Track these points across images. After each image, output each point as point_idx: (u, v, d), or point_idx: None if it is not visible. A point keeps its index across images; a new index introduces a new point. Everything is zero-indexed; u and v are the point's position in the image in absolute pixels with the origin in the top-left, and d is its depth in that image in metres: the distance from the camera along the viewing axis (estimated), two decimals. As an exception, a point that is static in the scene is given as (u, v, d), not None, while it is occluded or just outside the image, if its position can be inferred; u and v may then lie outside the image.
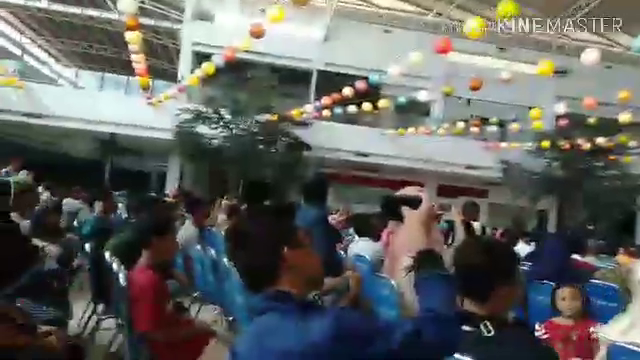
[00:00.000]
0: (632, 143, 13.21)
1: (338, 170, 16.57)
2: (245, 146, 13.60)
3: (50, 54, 25.67)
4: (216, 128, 13.77)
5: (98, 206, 5.09)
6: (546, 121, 14.07)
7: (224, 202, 7.49)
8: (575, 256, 5.02)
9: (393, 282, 2.98)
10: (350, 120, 15.70)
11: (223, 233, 5.68)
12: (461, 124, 14.52)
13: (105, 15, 17.18)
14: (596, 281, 4.25)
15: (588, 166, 14.32)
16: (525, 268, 4.47)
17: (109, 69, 24.59)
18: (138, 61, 10.67)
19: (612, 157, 14.03)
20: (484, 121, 14.76)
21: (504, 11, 5.56)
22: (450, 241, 4.00)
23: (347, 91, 11.24)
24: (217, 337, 2.91)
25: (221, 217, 6.69)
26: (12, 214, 3.36)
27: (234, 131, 13.77)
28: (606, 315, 2.86)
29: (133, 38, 9.16)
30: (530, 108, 12.94)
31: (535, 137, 14.60)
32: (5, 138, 15.39)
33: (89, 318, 3.70)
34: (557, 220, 16.75)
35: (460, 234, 3.65)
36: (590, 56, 6.82)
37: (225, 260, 3.82)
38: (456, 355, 1.57)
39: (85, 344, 3.12)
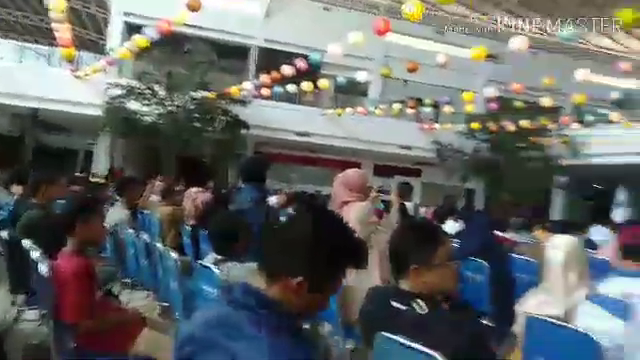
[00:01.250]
0: (551, 126, 14.17)
1: (278, 150, 16.47)
2: (180, 123, 13.11)
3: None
4: (149, 105, 13.15)
5: (17, 189, 4.70)
6: (478, 104, 14.71)
7: (158, 182, 7.20)
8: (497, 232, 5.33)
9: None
10: (290, 99, 15.55)
11: (157, 215, 5.50)
12: (397, 105, 14.85)
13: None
14: (517, 256, 4.58)
15: (513, 148, 15.19)
16: (455, 245, 4.69)
17: (30, 39, 22.68)
18: (62, 30, 9.92)
19: (534, 139, 14.96)
20: (419, 102, 15.16)
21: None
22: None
23: (287, 69, 11.10)
24: (150, 324, 2.83)
25: (154, 198, 6.44)
26: None
27: (169, 108, 13.23)
28: (526, 289, 3.05)
29: (56, 5, 8.49)
30: (462, 91, 13.45)
31: (467, 119, 15.25)
32: None
33: (10, 309, 3.46)
34: (484, 199, 17.72)
35: (393, 215, 3.77)
36: (518, 42, 7.25)
37: (159, 244, 3.70)
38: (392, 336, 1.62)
39: (4, 337, 2.93)
